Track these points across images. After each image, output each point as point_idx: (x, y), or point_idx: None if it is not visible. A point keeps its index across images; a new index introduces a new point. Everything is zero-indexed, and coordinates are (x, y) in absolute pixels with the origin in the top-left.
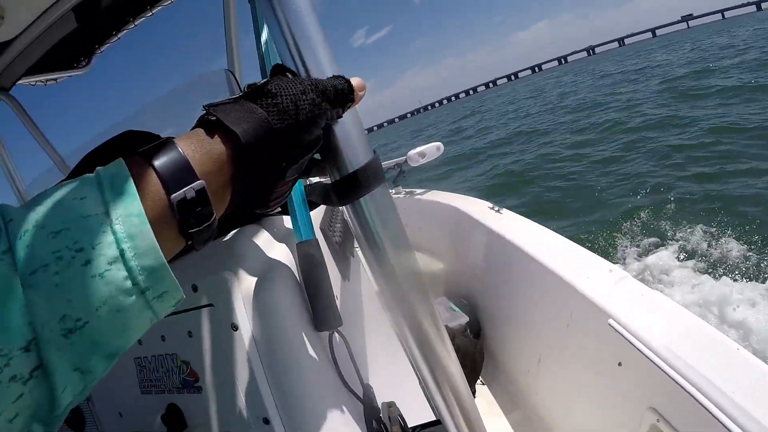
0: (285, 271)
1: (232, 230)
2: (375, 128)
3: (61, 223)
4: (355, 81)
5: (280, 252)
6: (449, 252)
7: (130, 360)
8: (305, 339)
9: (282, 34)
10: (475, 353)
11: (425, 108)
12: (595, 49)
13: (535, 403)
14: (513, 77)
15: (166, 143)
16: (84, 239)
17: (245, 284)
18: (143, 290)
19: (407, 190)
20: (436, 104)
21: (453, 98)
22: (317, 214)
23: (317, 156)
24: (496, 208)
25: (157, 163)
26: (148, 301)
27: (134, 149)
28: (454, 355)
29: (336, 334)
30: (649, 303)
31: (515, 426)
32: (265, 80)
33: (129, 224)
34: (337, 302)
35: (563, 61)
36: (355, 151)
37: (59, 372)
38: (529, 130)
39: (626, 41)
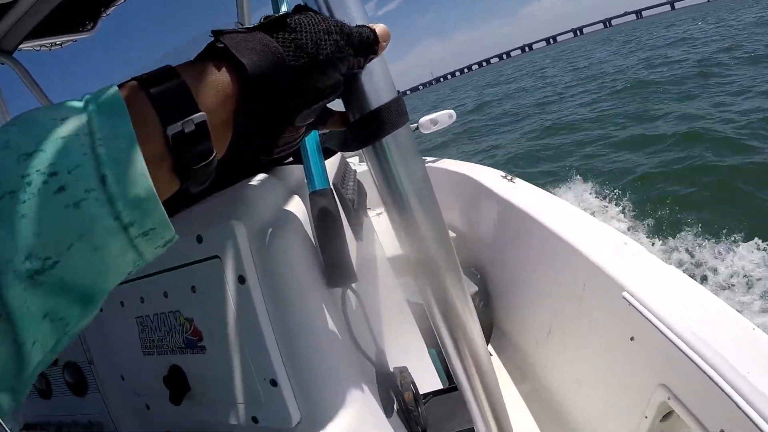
0: (297, 222)
1: (238, 180)
2: None
3: (34, 144)
4: (379, 29)
5: (292, 203)
6: (460, 220)
7: (132, 319)
8: (317, 295)
9: None
10: (484, 322)
11: (437, 80)
12: (612, 21)
13: (543, 375)
14: (527, 48)
15: (166, 70)
16: (59, 162)
17: (254, 234)
18: (126, 225)
19: None
20: (449, 76)
21: (466, 70)
22: (330, 169)
23: (334, 108)
24: (509, 177)
25: (153, 90)
26: (131, 238)
27: None
28: (476, 318)
29: (349, 291)
30: (665, 278)
31: (525, 397)
32: (284, 12)
33: (114, 146)
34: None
35: (578, 33)
36: (377, 88)
37: (25, 321)
38: None
39: (644, 13)
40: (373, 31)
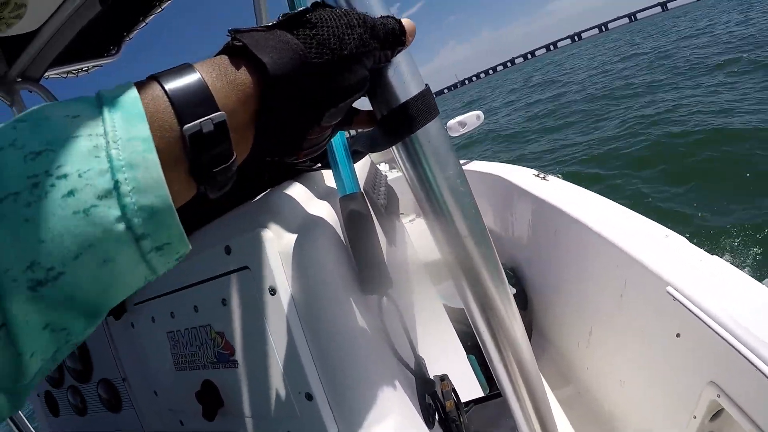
0: (328, 228)
1: (267, 188)
2: None
3: (44, 143)
4: (405, 22)
5: (321, 209)
6: (494, 222)
7: (163, 334)
8: (352, 303)
9: None
10: (523, 325)
11: (462, 83)
12: (637, 15)
13: (585, 378)
14: (552, 47)
15: (184, 67)
16: (70, 163)
17: (283, 242)
18: (139, 238)
19: None
20: (474, 78)
21: (490, 71)
22: (360, 175)
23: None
24: (542, 175)
25: (170, 87)
26: (144, 253)
27: None
28: (519, 320)
29: (385, 298)
30: (710, 270)
31: (565, 402)
32: (303, 8)
33: (131, 150)
34: None
35: (604, 29)
36: (404, 81)
37: (25, 332)
38: None
39: (669, 5)
40: (399, 21)
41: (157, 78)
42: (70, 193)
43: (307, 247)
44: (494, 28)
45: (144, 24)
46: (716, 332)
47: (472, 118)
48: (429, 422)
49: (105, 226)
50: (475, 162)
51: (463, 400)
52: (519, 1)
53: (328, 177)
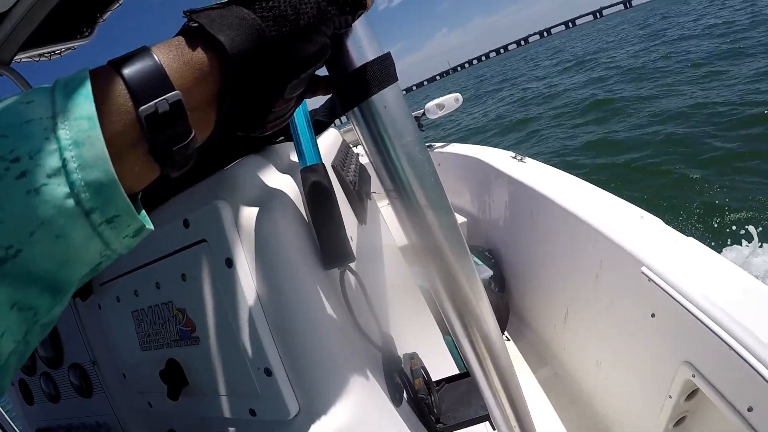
0: (288, 201)
1: (230, 162)
2: (404, 92)
3: None
4: None
5: (283, 182)
6: (472, 204)
7: (128, 314)
8: (312, 277)
9: None
10: (500, 307)
11: (454, 69)
12: (631, 1)
13: (562, 359)
14: (546, 33)
15: (140, 51)
16: (22, 147)
17: (241, 214)
18: (88, 211)
19: (427, 144)
20: (466, 65)
21: (483, 58)
22: (328, 151)
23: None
24: (519, 157)
25: (126, 71)
26: (94, 225)
27: None
28: (486, 300)
29: (348, 272)
30: (685, 250)
31: (544, 383)
32: None
33: (76, 129)
34: (352, 245)
35: (598, 15)
36: (360, 45)
37: None
38: None
39: None
40: None
41: (113, 63)
42: (23, 174)
43: (265, 219)
44: (486, 15)
45: (118, 4)
46: (690, 312)
47: (451, 100)
48: (396, 400)
49: (55, 202)
50: (454, 144)
51: (438, 379)
52: None
53: (292, 149)
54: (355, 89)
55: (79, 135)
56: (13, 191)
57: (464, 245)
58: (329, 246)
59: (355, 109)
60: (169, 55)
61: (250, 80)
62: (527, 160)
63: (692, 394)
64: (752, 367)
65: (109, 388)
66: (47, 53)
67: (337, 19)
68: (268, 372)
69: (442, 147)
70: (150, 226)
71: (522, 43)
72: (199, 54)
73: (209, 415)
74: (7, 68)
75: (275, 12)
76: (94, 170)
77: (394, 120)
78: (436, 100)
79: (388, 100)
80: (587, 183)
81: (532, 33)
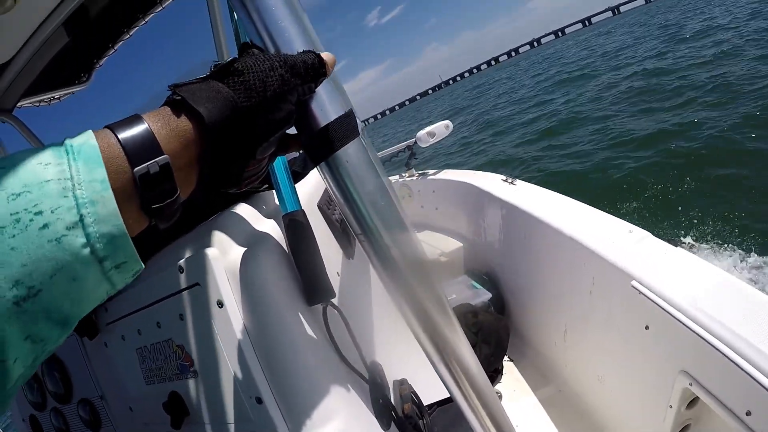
0: (272, 244)
1: (219, 211)
2: (397, 108)
3: (22, 186)
4: (325, 55)
5: (267, 227)
6: (467, 229)
7: (133, 351)
8: (296, 314)
9: (246, 9)
10: (500, 329)
11: (446, 83)
12: (620, 7)
13: (565, 376)
14: (536, 44)
15: (134, 118)
16: (44, 202)
17: (229, 258)
18: (101, 259)
19: (420, 171)
20: (458, 78)
21: (474, 70)
22: (314, 192)
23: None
24: (510, 180)
25: (122, 136)
26: (105, 271)
27: None
28: (458, 327)
29: (331, 308)
30: (674, 261)
31: (547, 401)
32: (231, 59)
33: (91, 190)
34: (339, 279)
35: (587, 23)
36: (323, 108)
37: (9, 342)
38: None
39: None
40: (318, 55)
41: (111, 128)
42: (45, 226)
43: (251, 261)
44: (476, 28)
45: (113, 50)
46: (682, 322)
47: (441, 128)
48: (383, 423)
49: (73, 251)
50: (447, 171)
51: (430, 402)
52: (498, 1)
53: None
54: (320, 147)
55: (94, 195)
56: (37, 239)
57: (431, 280)
58: (311, 284)
59: (322, 163)
60: (158, 123)
61: (225, 145)
62: (518, 182)
63: (693, 402)
64: (746, 372)
65: (117, 421)
66: (47, 99)
67: (300, 88)
68: (259, 400)
69: (435, 174)
70: (142, 265)
71: (513, 53)
72: (183, 123)
73: None
74: (10, 116)
75: (246, 85)
76: (107, 224)
77: (357, 171)
78: (427, 129)
79: (350, 154)
80: (576, 201)
81: (522, 44)
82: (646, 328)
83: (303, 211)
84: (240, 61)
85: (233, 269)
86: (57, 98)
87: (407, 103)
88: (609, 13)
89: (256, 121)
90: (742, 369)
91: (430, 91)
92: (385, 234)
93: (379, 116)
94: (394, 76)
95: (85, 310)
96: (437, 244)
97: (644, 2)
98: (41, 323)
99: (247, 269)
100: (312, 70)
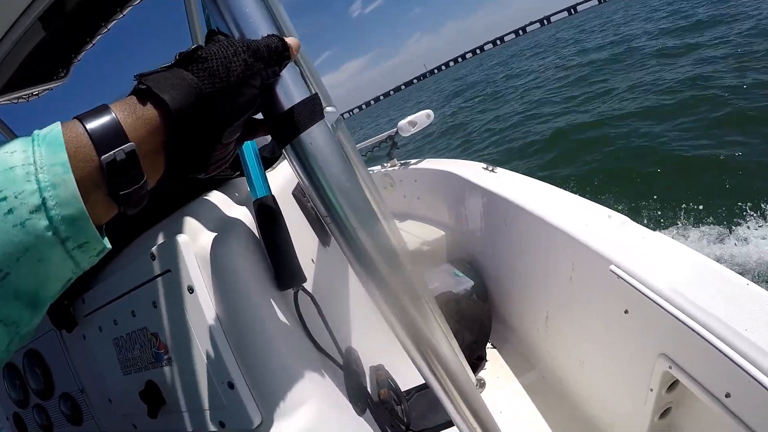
0: (242, 229)
1: (192, 199)
2: (381, 97)
3: None
4: (289, 40)
5: (239, 213)
6: (449, 217)
7: (110, 342)
8: (267, 298)
9: None
10: (482, 316)
11: (431, 72)
12: None
13: (547, 362)
14: (521, 32)
15: (101, 108)
16: (8, 188)
17: (199, 244)
18: (64, 240)
19: (402, 161)
20: (443, 67)
21: (459, 59)
22: (289, 180)
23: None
24: (490, 168)
25: (90, 125)
26: (68, 250)
27: None
28: (429, 312)
29: (302, 293)
30: (652, 245)
31: (531, 387)
32: (195, 46)
33: (53, 173)
34: (313, 267)
35: (573, 11)
36: (288, 91)
37: None
38: None
39: None
40: (282, 39)
41: (79, 118)
42: (10, 211)
43: (221, 246)
44: (460, 18)
45: (91, 45)
46: (660, 306)
47: (422, 117)
48: (359, 409)
49: (37, 233)
50: (428, 160)
51: (408, 388)
52: None
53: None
54: (285, 130)
55: (56, 178)
56: (2, 224)
57: (399, 262)
58: (281, 269)
59: (287, 146)
60: (125, 112)
61: (190, 130)
62: (498, 170)
63: (673, 385)
64: (725, 354)
65: (97, 414)
66: (25, 95)
67: (264, 72)
68: (231, 385)
69: (417, 163)
70: (109, 246)
71: (498, 42)
72: (149, 111)
73: (186, 430)
74: None
75: (209, 71)
76: (68, 207)
77: (322, 153)
78: (408, 118)
79: (314, 136)
80: (556, 188)
81: (507, 32)
82: (626, 312)
83: (273, 196)
84: (204, 48)
85: (204, 255)
86: (35, 94)
87: (392, 93)
88: (595, 2)
89: (220, 106)
90: (721, 351)
91: (415, 80)
92: (351, 216)
93: (364, 106)
94: (381, 66)
95: (52, 290)
96: (420, 234)
97: None
98: (10, 305)
99: (217, 254)
100: (276, 54)
